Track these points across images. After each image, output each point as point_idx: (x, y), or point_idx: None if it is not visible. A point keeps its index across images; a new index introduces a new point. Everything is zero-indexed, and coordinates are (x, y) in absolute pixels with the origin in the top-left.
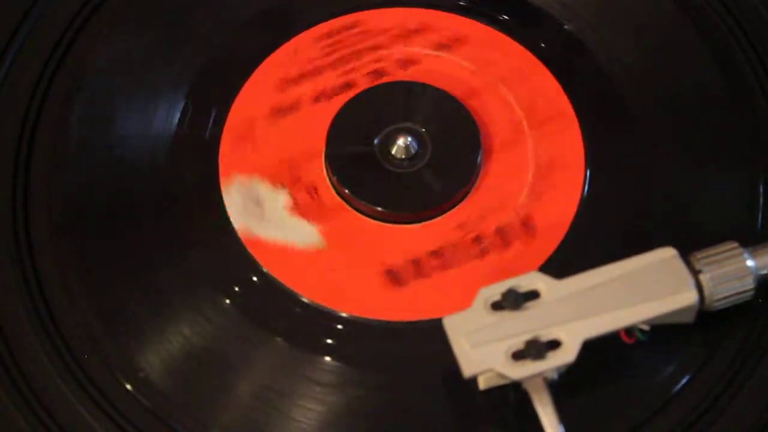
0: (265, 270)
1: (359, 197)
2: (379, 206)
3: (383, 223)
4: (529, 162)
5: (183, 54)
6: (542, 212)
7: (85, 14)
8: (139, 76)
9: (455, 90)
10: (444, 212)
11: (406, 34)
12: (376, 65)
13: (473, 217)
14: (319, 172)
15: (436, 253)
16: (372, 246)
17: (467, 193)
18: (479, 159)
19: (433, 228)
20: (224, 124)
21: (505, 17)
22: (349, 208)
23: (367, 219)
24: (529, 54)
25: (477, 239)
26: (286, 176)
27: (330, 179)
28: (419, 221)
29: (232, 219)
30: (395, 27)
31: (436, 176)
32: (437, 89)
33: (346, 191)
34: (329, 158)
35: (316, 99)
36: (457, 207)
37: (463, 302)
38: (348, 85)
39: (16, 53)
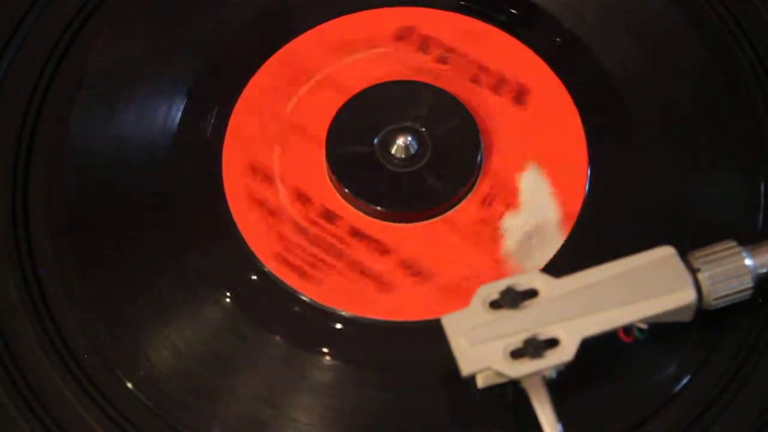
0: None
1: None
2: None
3: (380, 222)
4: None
5: (183, 54)
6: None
7: (85, 14)
8: (139, 76)
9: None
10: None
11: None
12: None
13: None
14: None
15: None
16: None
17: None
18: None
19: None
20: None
21: (505, 17)
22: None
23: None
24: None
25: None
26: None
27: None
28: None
29: None
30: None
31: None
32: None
33: (346, 190)
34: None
35: None
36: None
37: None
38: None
39: (16, 53)
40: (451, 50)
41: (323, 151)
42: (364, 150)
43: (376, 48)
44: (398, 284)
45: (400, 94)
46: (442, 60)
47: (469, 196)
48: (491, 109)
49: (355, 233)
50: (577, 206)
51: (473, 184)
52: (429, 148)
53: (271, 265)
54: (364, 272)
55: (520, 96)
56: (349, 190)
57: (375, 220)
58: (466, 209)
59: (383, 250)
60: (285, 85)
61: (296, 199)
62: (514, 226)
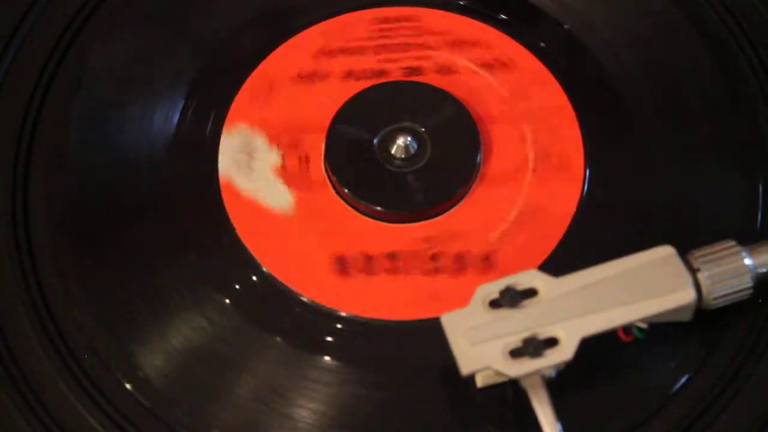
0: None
1: (357, 196)
2: (378, 205)
3: (379, 222)
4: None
5: (182, 54)
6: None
7: (85, 14)
8: (139, 75)
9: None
10: (443, 212)
11: (458, 43)
12: (417, 62)
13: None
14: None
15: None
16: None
17: (466, 193)
18: (479, 159)
19: (431, 228)
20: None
21: (505, 17)
22: (331, 190)
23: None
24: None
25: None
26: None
27: (329, 176)
28: (418, 221)
29: (219, 163)
30: (448, 32)
31: (435, 177)
32: (437, 89)
33: (345, 190)
34: (329, 156)
35: (347, 75)
36: (456, 207)
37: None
38: (381, 73)
39: (16, 53)
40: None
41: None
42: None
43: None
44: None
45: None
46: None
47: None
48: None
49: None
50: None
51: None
52: (428, 148)
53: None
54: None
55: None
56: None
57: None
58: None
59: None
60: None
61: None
62: None
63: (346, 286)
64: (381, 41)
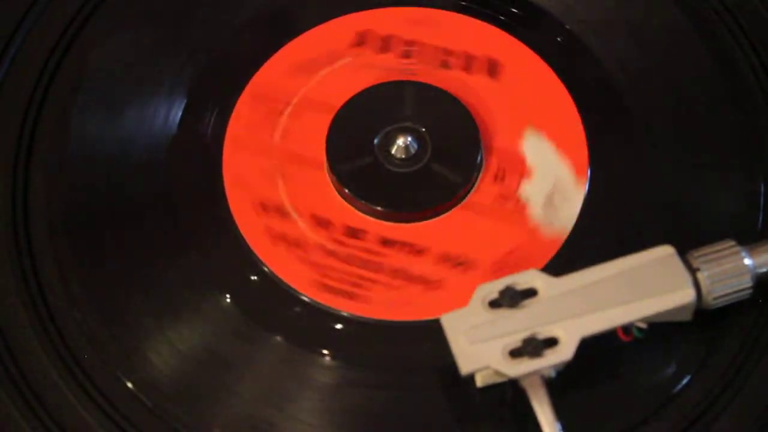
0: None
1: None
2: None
3: (380, 221)
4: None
5: (183, 54)
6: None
7: (85, 14)
8: (139, 76)
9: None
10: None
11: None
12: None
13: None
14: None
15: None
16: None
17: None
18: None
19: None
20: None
21: (505, 17)
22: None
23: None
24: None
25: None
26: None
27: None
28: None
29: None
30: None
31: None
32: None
33: (346, 191)
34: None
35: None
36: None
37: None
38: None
39: (16, 53)
40: (413, 43)
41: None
42: (364, 150)
43: (339, 60)
44: (446, 279)
45: (401, 93)
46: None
47: (478, 181)
48: (490, 107)
49: (384, 241)
50: (577, 206)
51: (473, 183)
52: (429, 148)
53: (272, 265)
54: (407, 277)
55: (519, 96)
56: (348, 189)
57: (394, 222)
58: (482, 191)
59: (417, 251)
60: (281, 88)
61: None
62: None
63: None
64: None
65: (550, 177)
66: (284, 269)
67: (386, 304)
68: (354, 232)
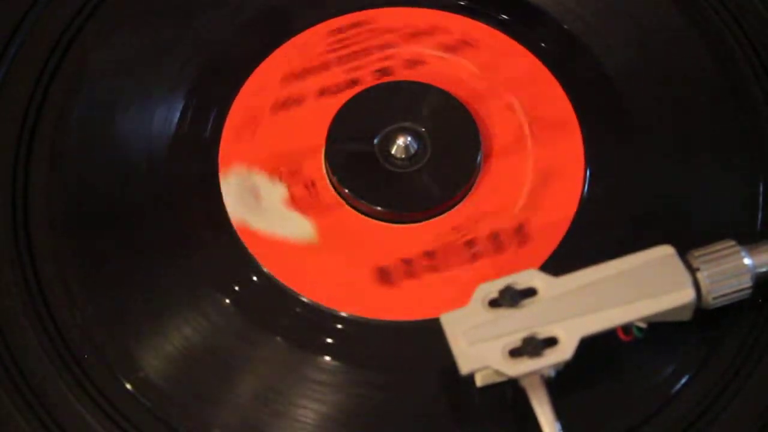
0: (265, 269)
1: (358, 196)
2: (378, 206)
3: (379, 222)
4: (528, 161)
5: (183, 54)
6: (542, 211)
7: (85, 14)
8: (139, 76)
9: (458, 91)
10: (443, 212)
11: (415, 34)
12: (383, 63)
13: (471, 218)
14: (318, 167)
15: (431, 254)
16: (365, 244)
17: (467, 193)
18: (479, 159)
19: (429, 228)
20: (224, 124)
21: (505, 17)
22: (346, 205)
23: (363, 217)
24: (529, 54)
25: (470, 242)
26: (285, 169)
27: (329, 177)
28: (417, 221)
29: (228, 210)
30: (404, 26)
31: (436, 177)
32: (438, 89)
33: (346, 191)
34: (329, 157)
35: (321, 94)
36: (456, 207)
37: (462, 301)
38: (354, 82)
39: (16, 53)
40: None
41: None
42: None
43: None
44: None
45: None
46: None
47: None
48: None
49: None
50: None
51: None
52: (429, 148)
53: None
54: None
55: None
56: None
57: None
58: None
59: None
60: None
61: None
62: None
63: (347, 285)
64: (341, 52)
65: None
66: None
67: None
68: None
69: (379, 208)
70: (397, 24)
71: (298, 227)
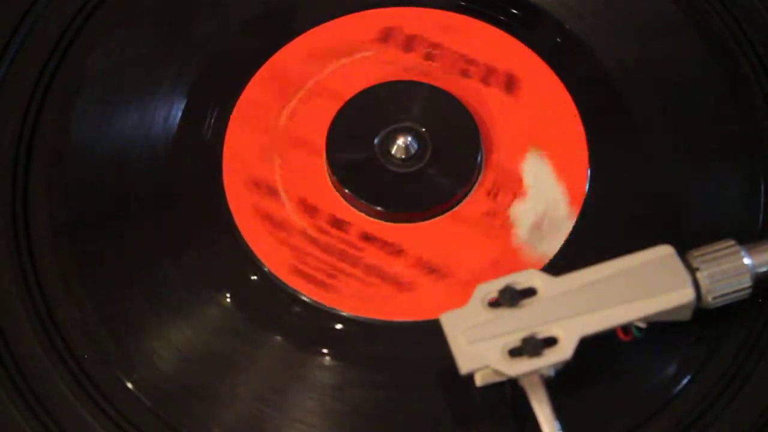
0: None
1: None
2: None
3: (379, 221)
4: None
5: (183, 54)
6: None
7: (85, 14)
8: (139, 76)
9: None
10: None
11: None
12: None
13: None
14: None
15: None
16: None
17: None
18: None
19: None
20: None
21: (505, 17)
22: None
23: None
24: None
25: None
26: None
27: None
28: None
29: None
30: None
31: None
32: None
33: (346, 191)
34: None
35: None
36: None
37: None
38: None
39: (16, 53)
40: (437, 46)
41: (323, 153)
42: (364, 151)
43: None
44: (417, 283)
45: (401, 93)
46: (429, 57)
47: (473, 191)
48: (489, 106)
49: (366, 237)
50: (577, 206)
51: (476, 181)
52: (429, 148)
53: (272, 266)
54: (381, 276)
55: (519, 96)
56: (348, 189)
57: (382, 221)
58: (473, 203)
59: (396, 251)
60: (278, 92)
61: (303, 210)
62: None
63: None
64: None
65: (542, 198)
66: (284, 269)
67: (353, 297)
68: (338, 224)
69: (379, 208)
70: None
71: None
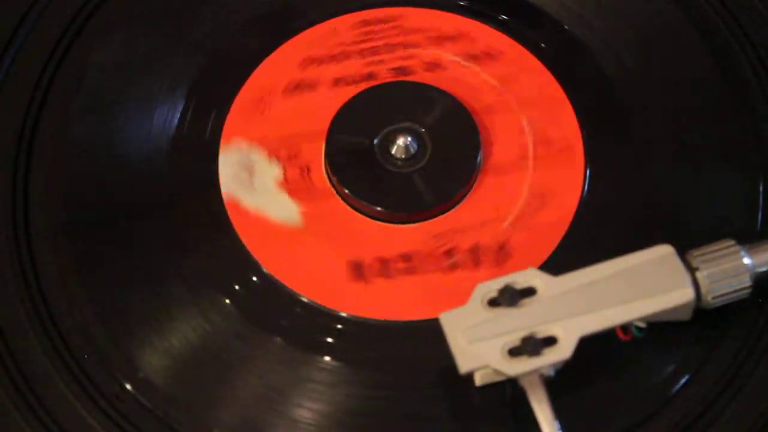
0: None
1: (357, 196)
2: (379, 206)
3: (377, 221)
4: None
5: (183, 54)
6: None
7: (85, 14)
8: (139, 75)
9: (470, 100)
10: (443, 212)
11: (440, 38)
12: (403, 62)
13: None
14: (316, 153)
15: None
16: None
17: (467, 193)
18: (479, 159)
19: (430, 228)
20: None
21: (505, 17)
22: (336, 196)
23: (362, 215)
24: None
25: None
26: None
27: (328, 176)
28: (417, 221)
29: (221, 183)
30: (431, 29)
31: (435, 177)
32: (438, 89)
33: (345, 190)
34: (329, 156)
35: (336, 83)
36: (456, 207)
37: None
38: (370, 76)
39: (16, 53)
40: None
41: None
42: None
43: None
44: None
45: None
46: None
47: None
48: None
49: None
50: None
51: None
52: (428, 148)
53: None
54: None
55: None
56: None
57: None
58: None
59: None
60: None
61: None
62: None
63: (347, 286)
64: (365, 45)
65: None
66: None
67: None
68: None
69: (378, 208)
70: (424, 25)
71: (285, 210)
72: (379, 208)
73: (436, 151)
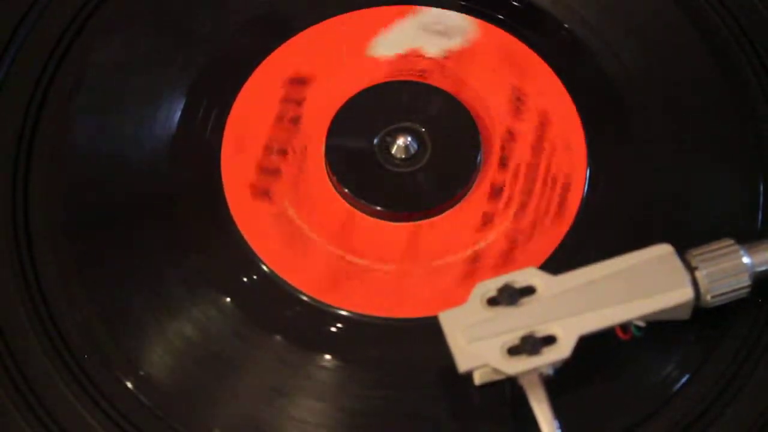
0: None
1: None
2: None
3: (378, 220)
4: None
5: (183, 54)
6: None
7: (85, 14)
8: (139, 75)
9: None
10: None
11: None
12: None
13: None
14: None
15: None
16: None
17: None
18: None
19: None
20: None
21: (505, 17)
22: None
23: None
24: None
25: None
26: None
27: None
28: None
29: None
30: None
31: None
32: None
33: (345, 190)
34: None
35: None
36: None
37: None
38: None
39: (16, 53)
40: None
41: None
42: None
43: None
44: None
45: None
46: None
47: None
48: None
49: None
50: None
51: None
52: (428, 148)
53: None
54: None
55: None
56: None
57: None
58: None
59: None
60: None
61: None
62: None
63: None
64: None
65: None
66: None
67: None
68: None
69: (378, 208)
70: None
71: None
72: (378, 208)
73: (436, 151)
